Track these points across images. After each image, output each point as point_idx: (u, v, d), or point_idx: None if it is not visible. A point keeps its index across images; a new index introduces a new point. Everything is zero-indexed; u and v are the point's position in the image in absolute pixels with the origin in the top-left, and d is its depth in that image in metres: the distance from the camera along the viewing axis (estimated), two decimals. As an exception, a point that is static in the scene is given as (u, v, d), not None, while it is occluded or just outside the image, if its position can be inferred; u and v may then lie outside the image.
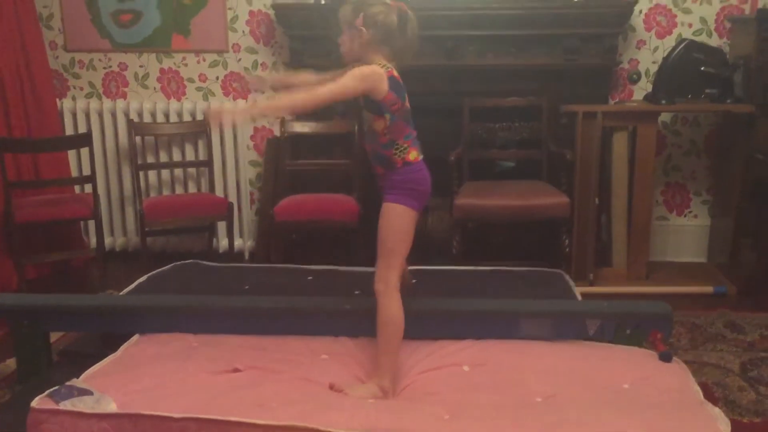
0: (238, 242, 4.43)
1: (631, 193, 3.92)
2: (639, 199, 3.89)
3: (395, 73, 2.35)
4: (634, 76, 4.14)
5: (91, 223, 4.23)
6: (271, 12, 4.21)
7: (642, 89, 4.15)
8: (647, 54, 4.15)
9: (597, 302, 2.79)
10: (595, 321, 2.57)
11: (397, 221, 2.38)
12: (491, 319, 2.61)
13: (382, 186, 2.46)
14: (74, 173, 4.40)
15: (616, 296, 3.55)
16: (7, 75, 3.99)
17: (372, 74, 2.30)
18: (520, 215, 3.75)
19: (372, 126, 2.40)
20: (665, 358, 2.42)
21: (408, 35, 2.38)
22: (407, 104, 2.41)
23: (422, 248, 4.30)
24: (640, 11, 4.08)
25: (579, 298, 2.93)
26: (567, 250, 3.82)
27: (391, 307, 2.35)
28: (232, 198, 4.37)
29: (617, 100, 4.19)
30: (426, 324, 2.61)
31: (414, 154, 2.42)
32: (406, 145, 2.40)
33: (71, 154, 4.40)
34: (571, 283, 3.12)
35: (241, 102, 4.36)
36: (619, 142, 3.93)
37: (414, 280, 3.14)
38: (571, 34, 3.94)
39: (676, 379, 2.30)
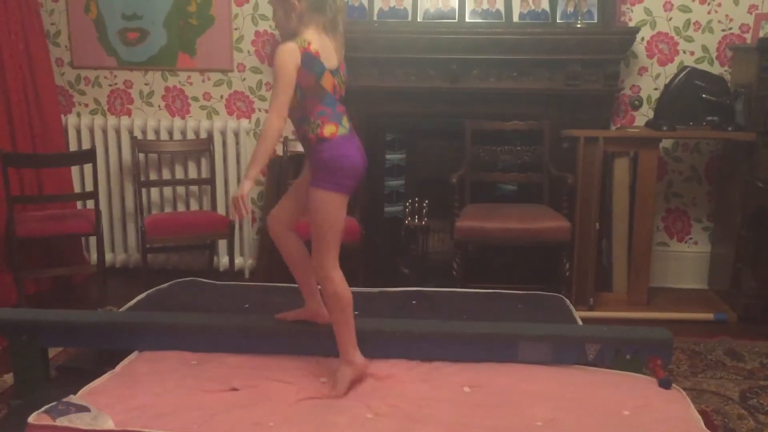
0: (238, 260, 4.43)
1: (632, 218, 3.93)
2: (640, 225, 3.90)
3: (312, 48, 2.30)
4: (636, 102, 4.17)
5: (93, 239, 4.24)
6: (277, 33, 4.25)
7: (644, 115, 4.18)
8: (649, 81, 4.18)
9: (597, 327, 2.79)
10: (595, 346, 2.56)
11: (323, 208, 2.36)
12: (491, 341, 2.60)
13: (310, 167, 2.45)
14: (77, 189, 4.41)
15: (616, 321, 3.55)
16: (14, 90, 4.02)
17: (286, 59, 2.27)
18: (521, 238, 3.75)
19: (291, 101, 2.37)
20: (665, 384, 2.41)
21: (338, 3, 2.37)
22: (325, 82, 2.34)
23: (422, 269, 4.33)
24: (642, 38, 4.11)
25: (579, 322, 2.92)
26: (567, 274, 3.82)
27: (335, 287, 2.39)
28: (234, 216, 4.37)
29: (619, 125, 4.21)
30: (426, 346, 2.60)
31: (330, 129, 2.35)
32: (318, 122, 2.35)
33: (74, 169, 4.41)
34: (572, 307, 3.11)
35: (244, 121, 4.38)
36: (621, 168, 3.95)
37: (414, 301, 3.14)
38: (574, 59, 3.98)
39: (676, 406, 2.29)
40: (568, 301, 3.19)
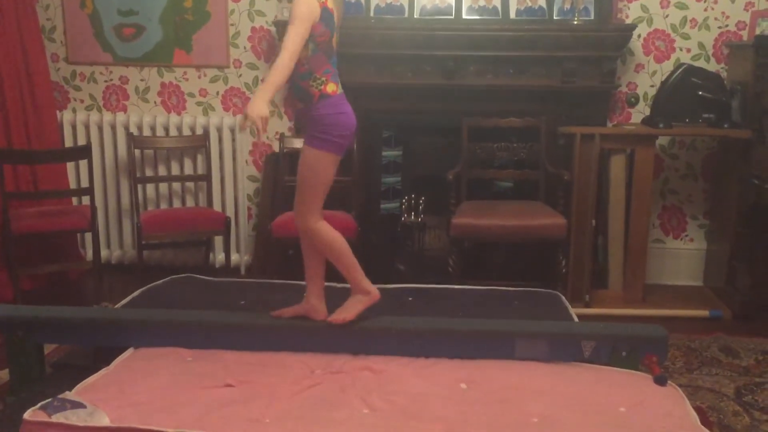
0: (234, 257, 4.42)
1: (628, 215, 3.93)
2: (636, 222, 3.90)
3: (329, 5, 2.40)
4: (633, 99, 4.17)
5: (88, 235, 4.22)
6: (273, 29, 4.24)
7: (640, 112, 4.18)
8: (645, 78, 4.19)
9: (593, 324, 2.80)
10: (591, 343, 2.57)
11: (315, 165, 2.47)
12: (487, 338, 2.60)
13: (304, 125, 2.53)
14: (73, 185, 4.40)
15: (612, 318, 3.55)
16: (9, 86, 4.01)
17: (306, 10, 2.34)
18: (517, 235, 3.75)
19: None
20: (660, 381, 2.42)
21: None
22: (334, 41, 2.46)
23: (418, 266, 4.33)
24: (639, 35, 4.11)
25: (575, 319, 2.93)
26: (563, 271, 3.83)
27: (323, 235, 2.52)
28: (230, 213, 4.37)
29: (615, 122, 4.21)
30: (422, 342, 2.60)
31: (332, 87, 2.46)
32: (324, 78, 2.44)
33: (70, 165, 4.40)
34: (567, 304, 3.12)
35: (240, 117, 4.37)
36: (617, 165, 3.95)
37: (410, 298, 3.15)
38: (570, 56, 3.98)
39: (672, 402, 2.30)
40: (564, 298, 3.19)
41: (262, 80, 4.36)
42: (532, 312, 2.95)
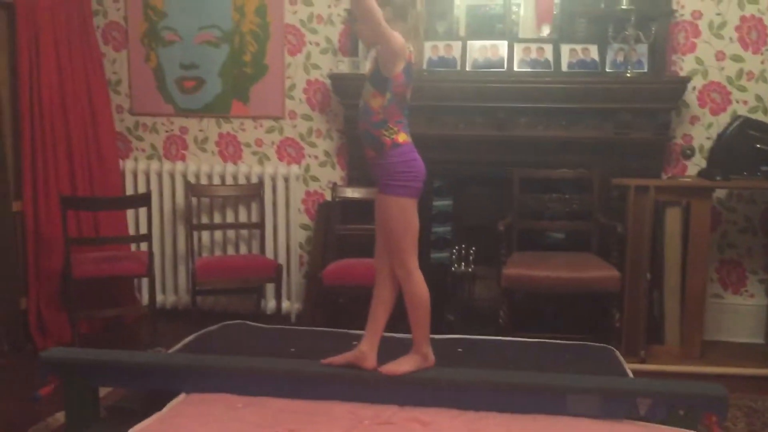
0: (285, 304, 4.47)
1: (685, 269, 3.84)
2: (693, 276, 3.81)
3: (412, 58, 2.42)
4: (688, 151, 4.12)
5: (145, 281, 4.33)
6: (328, 81, 4.35)
7: (696, 165, 4.12)
8: (701, 130, 4.14)
9: (649, 380, 2.72)
10: (647, 400, 2.49)
11: (400, 215, 2.46)
12: (538, 393, 2.55)
13: (376, 174, 2.51)
14: (132, 231, 4.54)
15: (668, 375, 3.45)
16: (75, 135, 4.19)
17: (402, 48, 2.37)
18: (569, 287, 3.70)
19: (369, 102, 2.45)
20: (720, 442, 2.33)
21: (418, 9, 2.46)
22: (408, 93, 2.49)
23: (468, 317, 4.29)
24: (694, 87, 4.08)
25: (630, 375, 2.85)
26: (617, 325, 3.74)
27: (414, 287, 2.50)
28: (282, 260, 4.43)
29: (670, 174, 4.15)
30: (471, 395, 2.57)
31: (403, 137, 2.48)
32: (396, 129, 2.45)
33: (130, 212, 4.54)
34: (622, 359, 3.03)
35: (294, 167, 4.47)
36: (673, 217, 3.88)
37: (460, 349, 3.11)
38: (624, 108, 3.96)
39: (732, 465, 2.20)
40: (618, 353, 3.11)
41: (316, 132, 4.48)
42: (585, 366, 2.88)
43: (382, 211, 2.51)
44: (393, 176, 2.46)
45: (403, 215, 2.47)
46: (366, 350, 2.62)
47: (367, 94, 2.47)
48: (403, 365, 2.56)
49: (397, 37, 2.35)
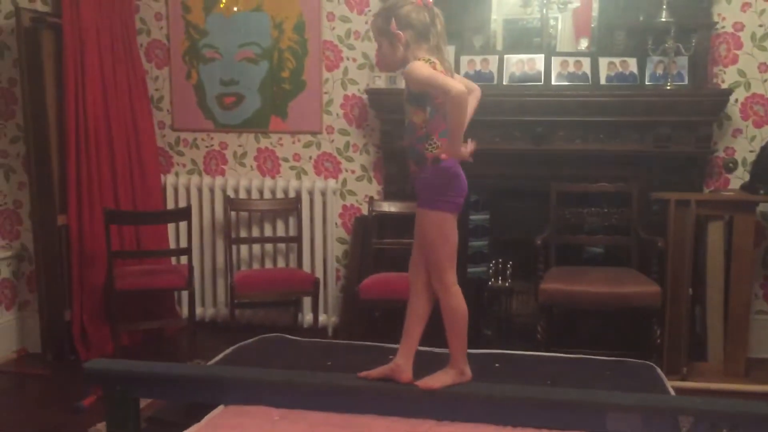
0: (322, 318, 4.49)
1: (728, 284, 3.76)
2: (736, 292, 3.73)
3: (438, 68, 2.38)
4: (730, 164, 4.05)
5: (185, 294, 4.39)
6: (365, 96, 4.38)
7: (739, 178, 4.04)
8: (744, 143, 4.06)
9: (691, 398, 2.67)
10: (689, 418, 2.44)
11: (434, 230, 2.44)
12: (577, 409, 2.52)
13: (416, 187, 2.50)
14: (172, 245, 4.61)
15: (711, 393, 3.38)
16: (118, 151, 4.28)
17: (426, 68, 2.33)
18: (609, 303, 3.65)
19: (411, 119, 2.43)
20: (766, 463, 2.27)
21: (439, 28, 2.44)
22: None
23: (505, 332, 4.26)
24: (736, 100, 4.02)
25: (671, 392, 2.80)
26: (658, 341, 3.68)
27: (451, 302, 2.47)
28: (319, 274, 4.46)
29: (712, 188, 4.08)
30: (508, 411, 2.54)
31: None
32: (440, 143, 2.41)
33: (170, 226, 4.62)
34: (663, 376, 2.98)
35: (331, 181, 4.51)
36: (715, 232, 3.81)
37: (497, 364, 3.09)
38: (664, 121, 3.92)
39: (779, 487, 2.15)
40: (659, 370, 3.05)
41: (353, 146, 4.51)
42: (625, 383, 2.84)
43: (421, 224, 2.51)
44: (436, 191, 2.45)
45: (440, 230, 2.46)
46: (402, 363, 2.62)
47: (409, 114, 2.47)
48: (439, 380, 2.55)
49: (458, 85, 2.31)
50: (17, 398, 3.64)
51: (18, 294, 4.33)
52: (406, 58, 2.42)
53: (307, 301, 4.48)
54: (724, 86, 4.02)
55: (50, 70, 4.03)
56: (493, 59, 4.15)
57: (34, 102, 3.96)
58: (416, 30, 2.42)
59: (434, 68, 2.37)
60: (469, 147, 2.48)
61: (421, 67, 2.35)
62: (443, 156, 2.42)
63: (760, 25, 4.00)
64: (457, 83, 2.32)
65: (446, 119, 2.43)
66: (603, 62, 4.04)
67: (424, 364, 2.69)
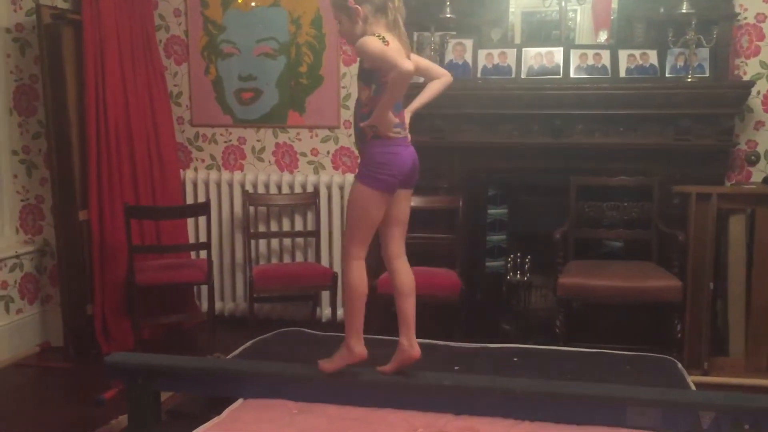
0: (340, 312, 4.49)
1: (750, 278, 3.72)
2: (759, 286, 3.69)
3: (394, 45, 2.39)
4: (753, 157, 4.00)
5: (204, 288, 4.42)
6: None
7: (761, 171, 3.99)
8: (766, 135, 4.01)
9: (712, 393, 2.65)
10: (710, 413, 2.42)
11: (360, 203, 2.50)
12: (596, 404, 2.51)
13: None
14: (192, 239, 4.64)
15: (732, 388, 3.35)
16: (138, 147, 4.32)
17: (377, 43, 2.34)
18: (628, 297, 3.63)
19: (360, 96, 2.47)
20: (789, 458, 2.24)
21: (396, 2, 2.46)
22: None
23: (524, 326, 4.24)
24: (758, 92, 3.96)
25: (692, 387, 2.78)
26: (679, 335, 3.65)
27: (348, 275, 2.53)
28: (337, 268, 4.46)
29: (734, 181, 4.03)
30: (527, 405, 2.54)
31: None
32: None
33: (190, 221, 4.65)
34: (684, 371, 2.96)
35: (349, 176, 4.51)
36: (737, 225, 3.77)
37: (515, 359, 3.09)
38: (684, 114, 3.87)
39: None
40: (680, 365, 3.03)
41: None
42: (645, 378, 2.82)
43: (350, 197, 2.56)
44: (370, 167, 2.48)
45: (361, 203, 2.50)
46: (405, 342, 2.64)
47: (359, 90, 2.51)
48: (333, 362, 2.61)
49: (407, 63, 2.31)
50: (40, 392, 3.68)
51: (41, 288, 4.38)
52: (365, 33, 2.43)
53: (325, 296, 4.49)
54: (746, 78, 3.96)
55: (71, 66, 4.06)
56: (511, 52, 4.12)
57: (55, 98, 4.00)
58: (374, 4, 2.44)
59: (386, 45, 2.37)
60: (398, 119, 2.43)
61: (372, 42, 2.36)
62: (366, 129, 2.44)
63: (783, 16, 3.94)
64: (407, 62, 2.33)
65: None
66: (623, 55, 4.00)
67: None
